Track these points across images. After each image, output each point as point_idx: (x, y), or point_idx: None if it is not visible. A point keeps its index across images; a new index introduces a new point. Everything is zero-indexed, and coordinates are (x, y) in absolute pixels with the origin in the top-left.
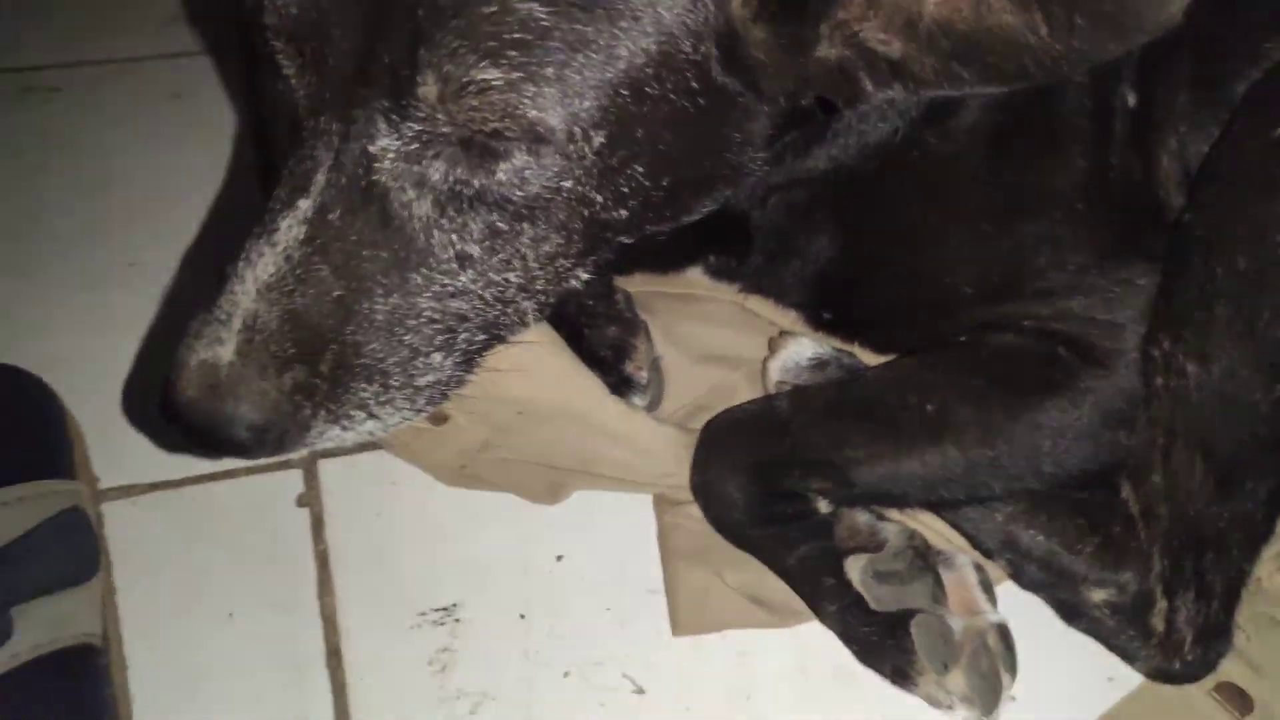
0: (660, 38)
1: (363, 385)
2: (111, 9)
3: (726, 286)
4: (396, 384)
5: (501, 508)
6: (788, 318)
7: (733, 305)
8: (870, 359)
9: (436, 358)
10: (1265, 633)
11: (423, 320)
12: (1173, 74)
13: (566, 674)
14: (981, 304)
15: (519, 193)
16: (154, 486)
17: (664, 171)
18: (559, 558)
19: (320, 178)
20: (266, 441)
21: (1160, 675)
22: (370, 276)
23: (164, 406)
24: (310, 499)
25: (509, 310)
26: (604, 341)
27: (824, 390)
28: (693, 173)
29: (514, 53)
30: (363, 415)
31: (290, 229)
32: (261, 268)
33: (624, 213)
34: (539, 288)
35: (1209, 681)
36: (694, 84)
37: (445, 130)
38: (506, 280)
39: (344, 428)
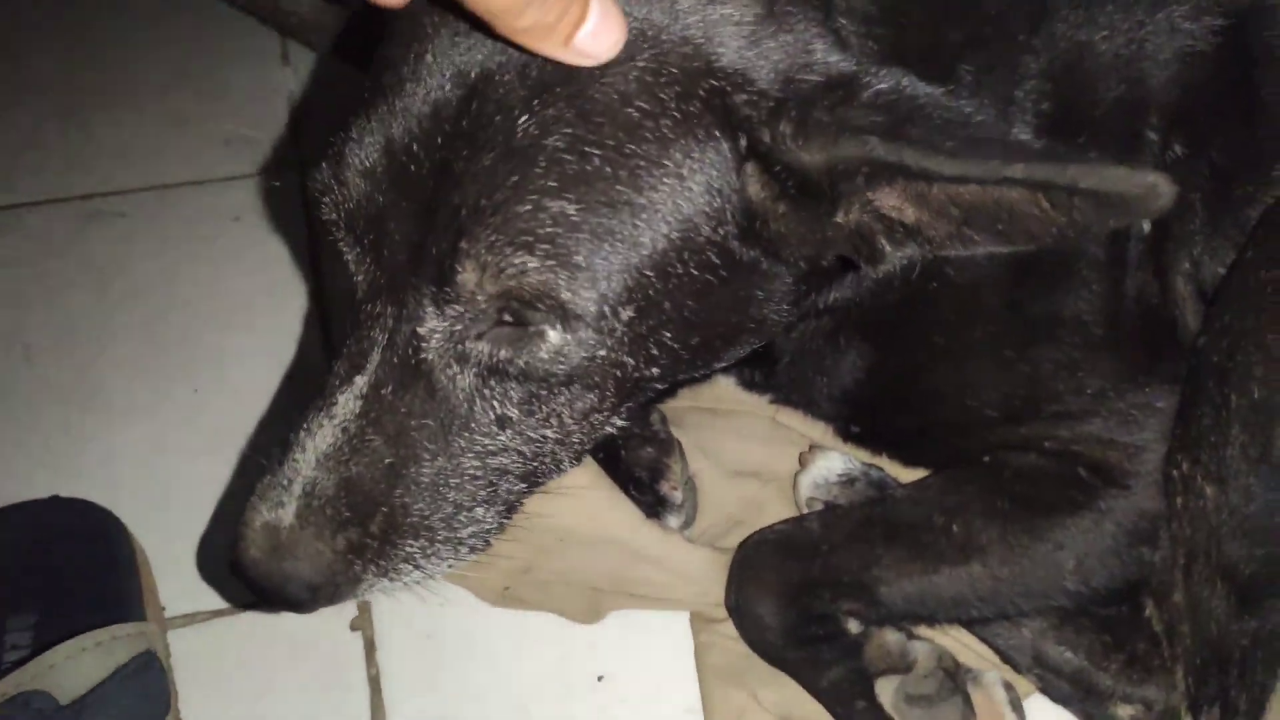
0: (681, 226)
1: (410, 542)
2: (172, 132)
3: (757, 398)
4: (441, 538)
5: (544, 627)
6: (817, 429)
7: (763, 419)
8: (898, 471)
9: (479, 511)
10: None
11: (465, 478)
12: (1188, 197)
13: None
14: (1004, 425)
15: (555, 366)
16: (216, 613)
17: (691, 334)
18: (600, 678)
19: (375, 356)
20: (320, 598)
21: None
22: (418, 444)
23: (232, 564)
24: (362, 623)
25: (547, 461)
26: (640, 462)
27: (852, 511)
28: (719, 331)
29: (546, 245)
30: (409, 568)
31: (347, 404)
32: (321, 438)
33: (655, 370)
34: (575, 440)
35: None
36: (715, 259)
37: (484, 310)
38: (544, 437)
39: (391, 579)
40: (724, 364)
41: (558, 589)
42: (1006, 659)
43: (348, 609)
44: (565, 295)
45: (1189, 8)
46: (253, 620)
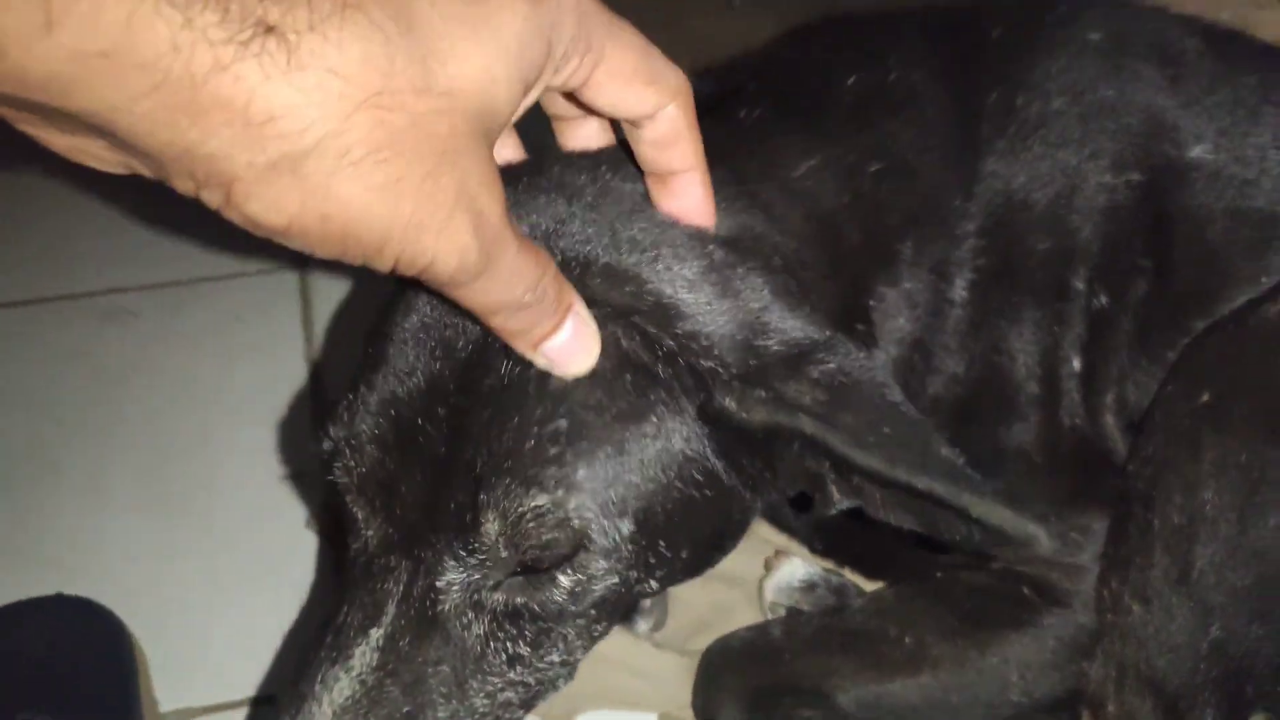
0: (672, 457)
1: None
2: (183, 233)
3: None
4: None
5: None
6: (783, 538)
7: None
8: (858, 578)
9: None
10: None
11: (479, 711)
12: (1113, 343)
13: None
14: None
15: (565, 599)
16: (209, 709)
17: (684, 544)
18: None
19: (391, 609)
20: None
21: None
22: (434, 690)
23: None
24: None
25: (548, 686)
26: None
27: (813, 620)
28: (707, 539)
29: (551, 469)
30: None
31: (364, 655)
32: (337, 691)
33: (654, 584)
34: (576, 658)
35: None
36: (701, 479)
37: (505, 557)
38: (550, 663)
39: None
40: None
41: None
42: None
43: None
44: (576, 522)
45: (1109, 160)
46: (242, 715)
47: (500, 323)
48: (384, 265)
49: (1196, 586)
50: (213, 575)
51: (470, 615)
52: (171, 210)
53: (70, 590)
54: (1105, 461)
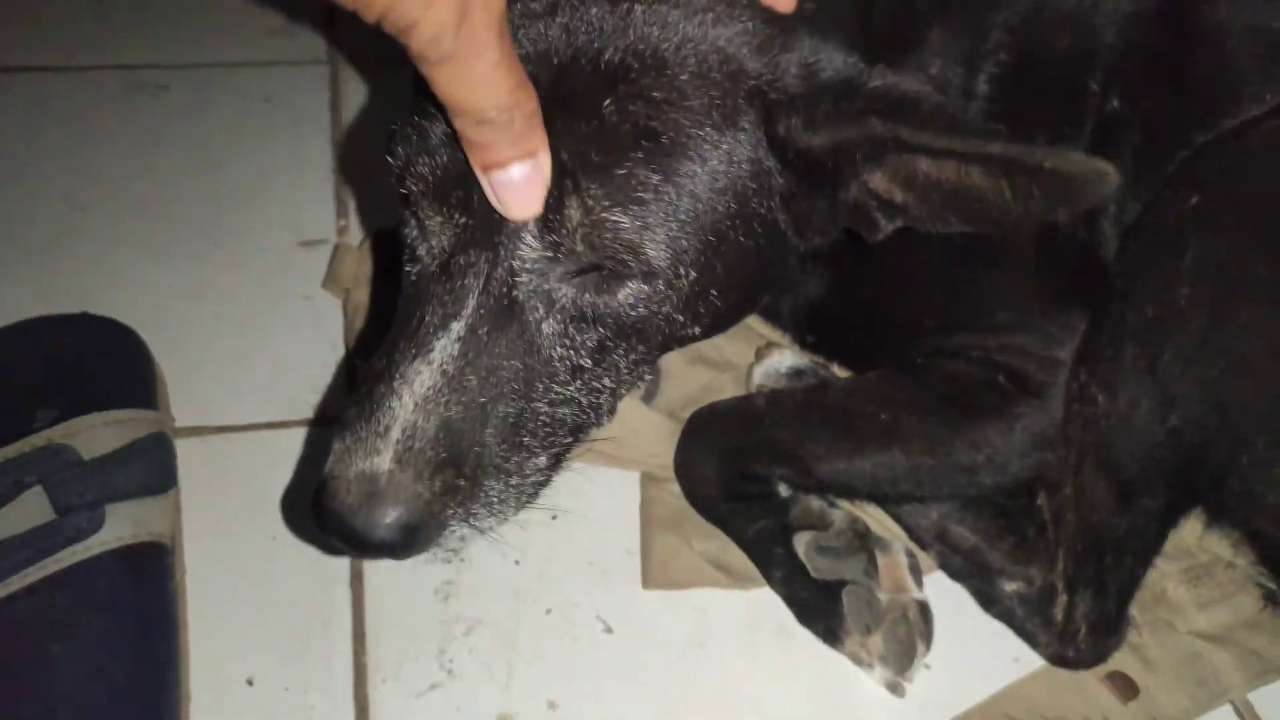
0: (736, 199)
1: (491, 483)
2: (221, 17)
3: None
4: (514, 482)
5: None
6: (776, 332)
7: None
8: (843, 374)
9: (542, 458)
10: (1161, 634)
11: (539, 424)
12: (1119, 148)
13: (548, 611)
14: (939, 334)
15: (630, 314)
16: (220, 429)
17: (731, 293)
18: (554, 516)
19: (472, 301)
20: (417, 543)
21: (1058, 660)
22: (506, 383)
23: (320, 514)
24: None
25: (594, 414)
26: None
27: (796, 394)
28: (751, 291)
29: (637, 207)
30: (486, 513)
31: (446, 348)
32: (419, 384)
33: (698, 329)
34: (622, 390)
35: (1100, 669)
36: (759, 228)
37: (580, 252)
38: (603, 386)
39: (471, 524)
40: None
41: None
42: (913, 535)
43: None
44: (650, 252)
45: None
46: (254, 437)
47: (460, 126)
48: (370, 15)
49: (1162, 376)
50: (230, 318)
51: (543, 311)
52: None
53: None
54: (1096, 265)
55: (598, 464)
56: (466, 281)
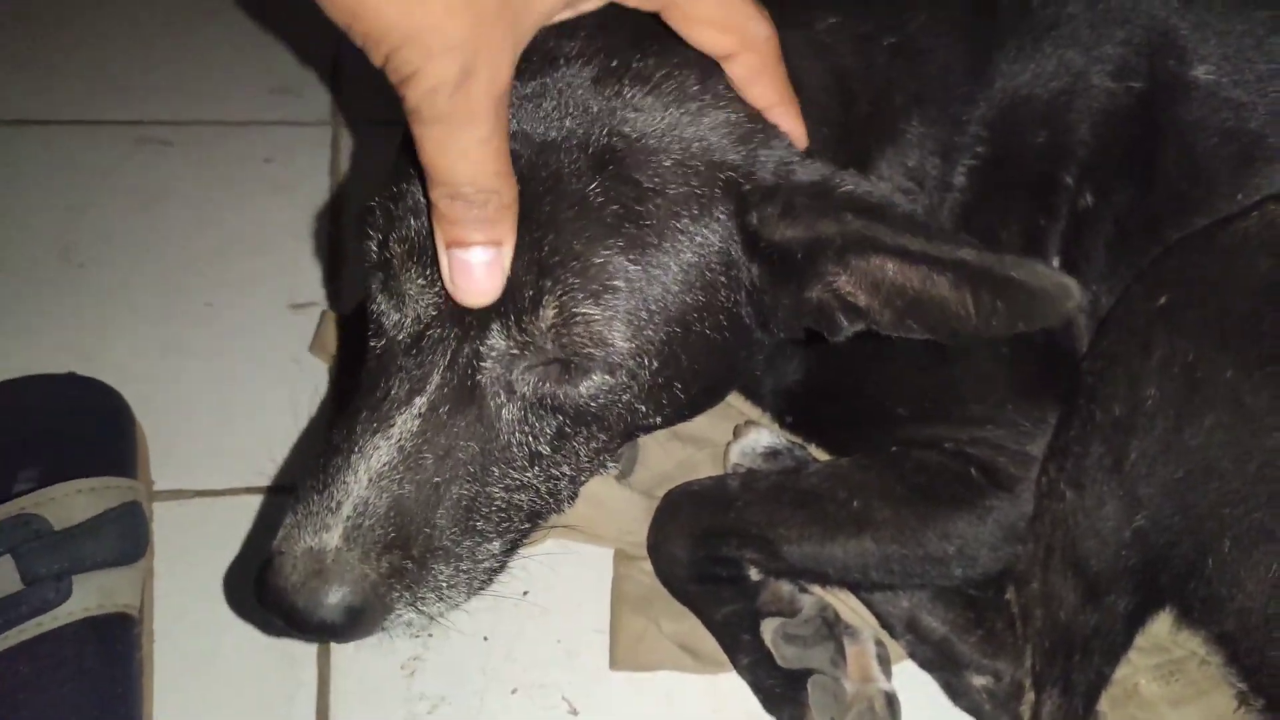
0: (704, 292)
1: (441, 567)
2: (226, 75)
3: None
4: (465, 568)
5: None
6: (756, 410)
7: None
8: (821, 455)
9: (496, 544)
10: None
11: (493, 509)
12: (1093, 242)
13: (514, 691)
14: (913, 424)
15: (590, 404)
16: (201, 493)
17: (693, 385)
18: (525, 593)
19: (436, 377)
20: (358, 625)
21: None
22: (462, 465)
23: (262, 591)
24: None
25: (552, 501)
26: None
27: (770, 476)
28: (715, 383)
29: (609, 296)
30: (433, 598)
31: (406, 423)
32: (375, 459)
33: (659, 420)
34: (580, 479)
35: None
36: (724, 322)
37: (547, 349)
38: (561, 473)
39: (418, 609)
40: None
41: None
42: (884, 623)
43: None
44: (616, 344)
45: (1114, 68)
46: (230, 503)
47: (434, 195)
48: (377, 57)
49: (1128, 476)
50: (217, 378)
51: (504, 397)
52: (219, 51)
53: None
54: (1069, 359)
55: (572, 540)
56: (433, 358)
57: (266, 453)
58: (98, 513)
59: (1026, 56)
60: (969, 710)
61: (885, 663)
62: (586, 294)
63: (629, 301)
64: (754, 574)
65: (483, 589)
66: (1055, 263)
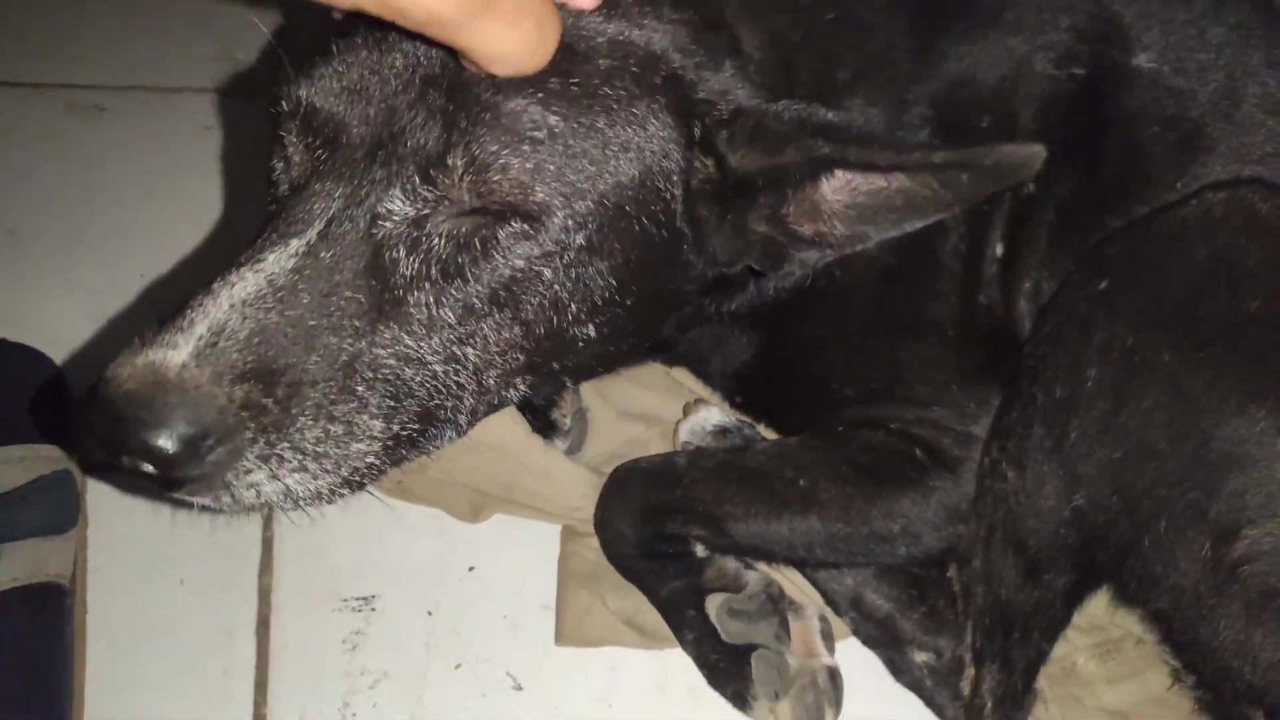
0: (640, 170)
1: (308, 423)
2: (163, 40)
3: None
4: (333, 437)
5: (428, 519)
6: (705, 390)
7: (659, 371)
8: (770, 434)
9: (376, 425)
10: (1069, 708)
11: (378, 376)
12: (1036, 229)
13: (458, 666)
14: (859, 405)
15: (505, 269)
16: None
17: (627, 287)
18: (470, 568)
19: (318, 224)
20: (194, 458)
21: None
22: (345, 314)
23: (88, 404)
24: None
25: (448, 404)
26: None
27: (717, 454)
28: (647, 295)
29: (528, 147)
30: (294, 460)
31: (279, 261)
32: (240, 288)
33: (589, 331)
34: (486, 383)
35: None
36: (661, 217)
37: (464, 200)
38: (465, 359)
39: (271, 469)
40: (631, 363)
41: (447, 488)
42: (829, 600)
43: None
44: (538, 195)
45: (1058, 55)
46: None
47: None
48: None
49: (1067, 456)
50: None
51: (403, 252)
52: (155, 15)
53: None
54: (1013, 343)
55: (518, 515)
56: (313, 209)
57: None
58: (28, 480)
59: (971, 40)
60: (910, 686)
61: (829, 638)
62: (500, 144)
63: (551, 154)
64: (700, 551)
65: (356, 485)
66: (998, 249)
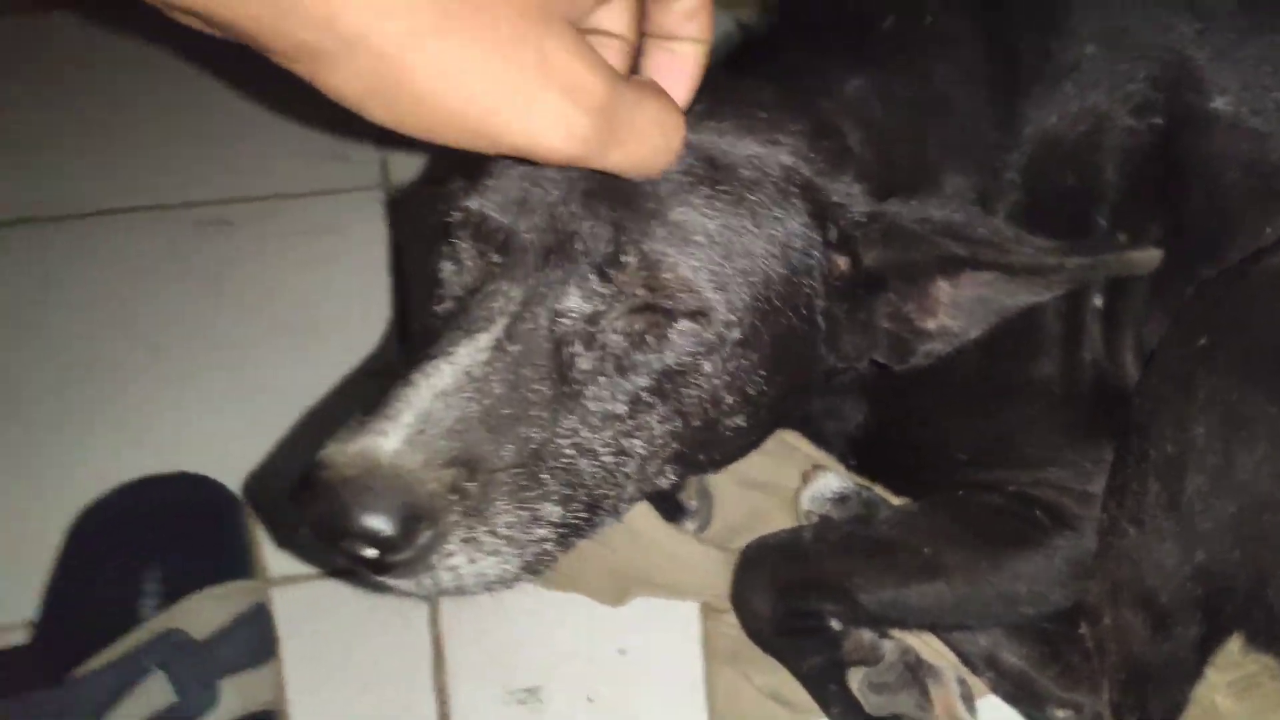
0: (784, 265)
1: (502, 508)
2: (277, 146)
3: None
4: (521, 522)
5: (576, 606)
6: (820, 453)
7: (775, 439)
8: (887, 494)
9: (555, 512)
10: None
11: (559, 465)
12: (1132, 282)
13: None
14: (974, 469)
15: (672, 361)
16: (314, 577)
17: (773, 378)
18: (621, 651)
19: (502, 321)
20: (408, 541)
21: None
22: (533, 405)
23: (302, 489)
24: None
25: (612, 494)
26: None
27: (842, 525)
28: (786, 387)
29: (691, 249)
30: (489, 542)
31: (471, 353)
32: (439, 379)
33: (739, 421)
34: (647, 470)
35: None
36: (803, 311)
37: (637, 294)
38: (631, 450)
39: (469, 556)
40: (761, 442)
41: (590, 574)
42: (964, 660)
43: None
44: (703, 292)
45: (1135, 105)
46: (339, 585)
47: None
48: (477, 142)
49: (1185, 513)
50: (305, 453)
51: (581, 347)
52: (266, 125)
53: (181, 469)
54: (1121, 396)
55: (658, 596)
56: (493, 307)
57: None
58: (230, 618)
59: (1050, 101)
60: None
61: (969, 700)
62: (668, 243)
63: (711, 254)
64: (835, 624)
65: (534, 571)
66: (1097, 302)
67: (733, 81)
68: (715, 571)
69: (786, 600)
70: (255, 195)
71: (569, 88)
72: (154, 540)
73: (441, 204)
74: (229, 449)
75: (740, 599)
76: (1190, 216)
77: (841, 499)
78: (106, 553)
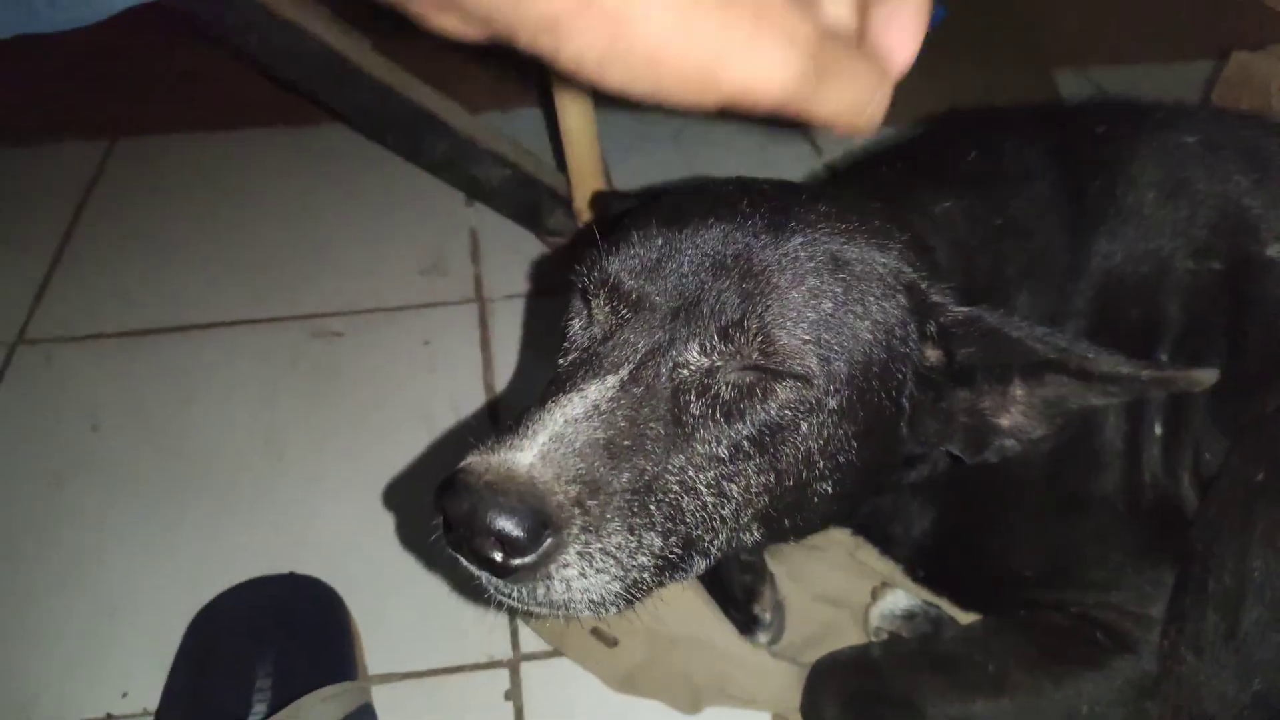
0: (888, 351)
1: (615, 529)
2: (380, 260)
3: (841, 530)
4: (628, 546)
5: (655, 711)
6: (888, 565)
7: (844, 551)
8: (954, 610)
9: (657, 542)
10: None
11: (665, 499)
12: (1191, 410)
13: None
14: (1039, 587)
15: (774, 416)
16: (409, 675)
17: (862, 451)
18: None
19: (628, 366)
20: (535, 544)
21: None
22: (649, 440)
23: (446, 490)
24: (514, 694)
25: (706, 536)
26: (738, 584)
27: (911, 642)
28: (872, 461)
29: (806, 323)
30: (600, 559)
31: (599, 390)
32: (570, 408)
33: (828, 488)
34: (741, 521)
35: None
36: (894, 392)
37: (752, 356)
38: (728, 495)
39: (581, 570)
40: (839, 517)
41: (668, 682)
42: None
43: (501, 681)
44: (810, 360)
45: (1195, 249)
46: (424, 685)
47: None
48: (702, 92)
49: (1243, 644)
50: (412, 557)
51: (694, 396)
52: (368, 240)
53: (293, 567)
54: (1182, 518)
55: (731, 706)
56: (623, 354)
57: (469, 631)
58: (341, 718)
59: (1118, 239)
60: None
61: None
62: (786, 315)
63: (824, 329)
64: None
65: (631, 599)
66: (1157, 429)
67: (848, 192)
68: (787, 684)
69: (856, 713)
70: (361, 308)
71: (784, 30)
72: (266, 639)
73: (580, 266)
74: (337, 545)
75: (811, 711)
76: (1247, 352)
77: (910, 616)
78: (222, 650)
